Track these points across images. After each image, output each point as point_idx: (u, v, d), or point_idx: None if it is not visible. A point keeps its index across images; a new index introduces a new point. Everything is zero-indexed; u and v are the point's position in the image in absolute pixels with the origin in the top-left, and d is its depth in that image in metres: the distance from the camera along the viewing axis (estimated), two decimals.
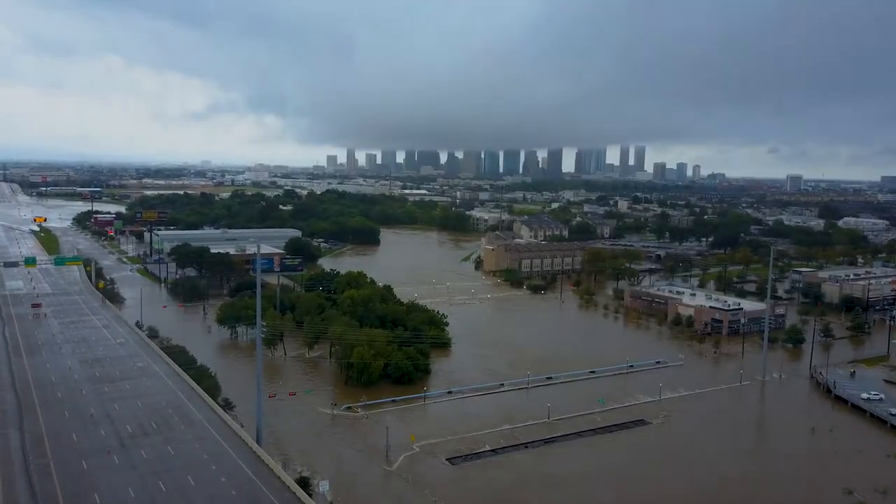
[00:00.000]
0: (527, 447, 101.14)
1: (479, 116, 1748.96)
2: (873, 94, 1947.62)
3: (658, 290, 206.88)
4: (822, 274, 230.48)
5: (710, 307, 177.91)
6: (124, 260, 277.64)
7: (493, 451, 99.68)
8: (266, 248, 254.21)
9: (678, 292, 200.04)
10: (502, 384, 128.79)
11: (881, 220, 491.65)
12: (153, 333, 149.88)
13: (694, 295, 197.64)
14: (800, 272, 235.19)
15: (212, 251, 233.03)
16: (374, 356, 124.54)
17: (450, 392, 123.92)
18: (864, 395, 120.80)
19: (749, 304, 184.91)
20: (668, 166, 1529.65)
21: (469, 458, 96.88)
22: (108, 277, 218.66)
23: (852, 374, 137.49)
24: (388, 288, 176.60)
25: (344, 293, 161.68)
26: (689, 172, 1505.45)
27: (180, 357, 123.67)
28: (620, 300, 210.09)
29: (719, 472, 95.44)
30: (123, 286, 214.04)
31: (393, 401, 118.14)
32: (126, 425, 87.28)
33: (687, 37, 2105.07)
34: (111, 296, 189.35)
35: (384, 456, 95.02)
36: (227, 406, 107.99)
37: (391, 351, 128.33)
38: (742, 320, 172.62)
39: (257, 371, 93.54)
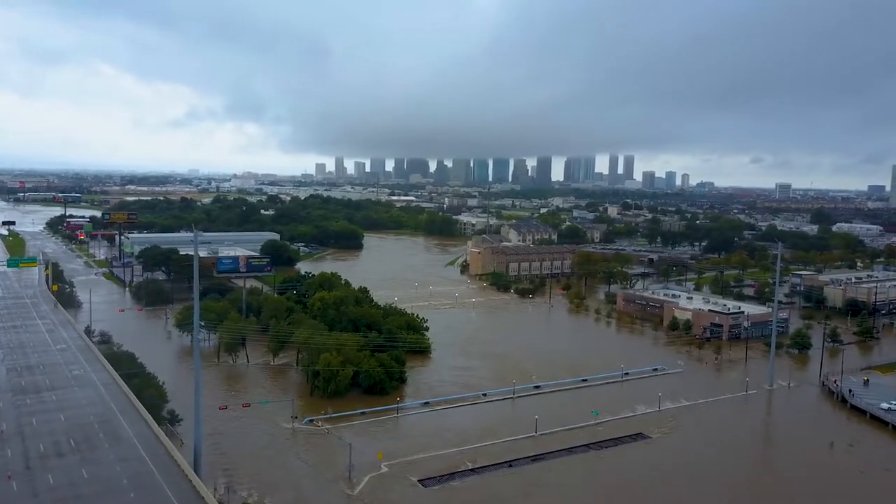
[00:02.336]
0: (511, 466, 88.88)
1: (463, 124, 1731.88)
2: (851, 100, 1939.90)
3: (652, 293, 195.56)
4: (823, 277, 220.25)
5: (710, 311, 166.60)
6: (92, 263, 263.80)
7: (472, 470, 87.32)
8: (240, 251, 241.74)
9: (674, 296, 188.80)
10: (485, 394, 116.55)
11: (874, 226, 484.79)
12: (105, 339, 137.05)
13: (690, 298, 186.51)
14: (800, 275, 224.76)
15: (182, 254, 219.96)
16: (343, 363, 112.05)
17: (426, 403, 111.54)
18: (885, 406, 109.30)
19: (750, 308, 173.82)
20: (656, 175, 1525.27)
21: (444, 479, 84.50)
22: (69, 280, 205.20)
23: (866, 382, 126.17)
24: (363, 290, 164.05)
25: (314, 295, 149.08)
26: (678, 181, 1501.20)
27: (126, 364, 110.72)
28: (612, 304, 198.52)
29: (730, 492, 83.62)
30: (86, 290, 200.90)
31: (362, 413, 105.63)
32: (40, 443, 74.31)
33: (663, 42, 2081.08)
34: (67, 299, 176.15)
35: (346, 477, 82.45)
36: (173, 419, 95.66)
37: (362, 357, 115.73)
38: (744, 324, 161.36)
39: (196, 381, 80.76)
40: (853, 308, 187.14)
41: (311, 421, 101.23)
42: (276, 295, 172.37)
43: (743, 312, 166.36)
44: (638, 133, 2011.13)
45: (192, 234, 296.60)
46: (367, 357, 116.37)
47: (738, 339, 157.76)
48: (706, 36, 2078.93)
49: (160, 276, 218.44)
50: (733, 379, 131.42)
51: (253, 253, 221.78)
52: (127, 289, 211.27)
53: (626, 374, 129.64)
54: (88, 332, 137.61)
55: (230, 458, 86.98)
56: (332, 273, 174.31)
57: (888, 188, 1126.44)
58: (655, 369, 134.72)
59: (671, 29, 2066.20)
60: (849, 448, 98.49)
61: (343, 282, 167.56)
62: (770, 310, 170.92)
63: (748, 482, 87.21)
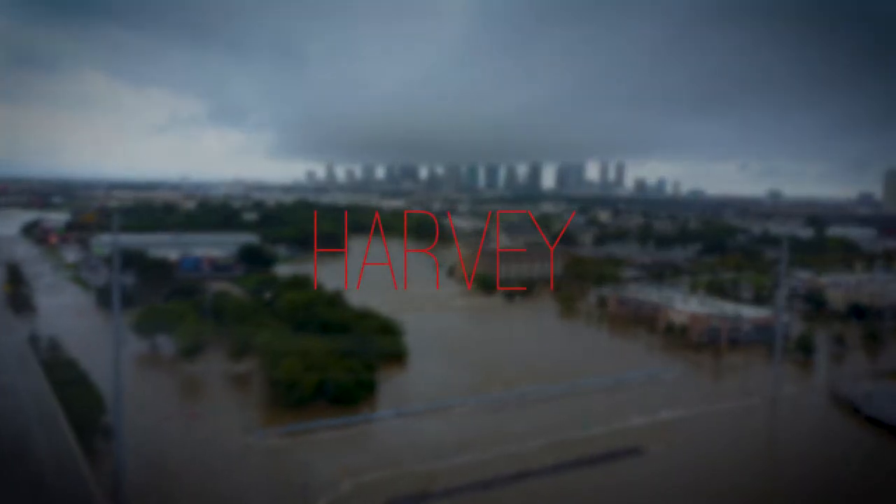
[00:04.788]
0: (490, 487, 78.37)
1: (450, 129, 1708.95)
2: (827, 104, 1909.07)
3: (647, 296, 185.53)
4: (824, 280, 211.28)
5: (708, 314, 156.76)
6: (60, 267, 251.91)
7: (446, 492, 76.80)
8: (215, 252, 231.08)
9: (669, 298, 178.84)
10: (465, 403, 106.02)
11: (868, 229, 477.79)
12: (53, 345, 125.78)
13: (686, 301, 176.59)
14: (800, 278, 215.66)
15: (156, 257, 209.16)
16: (307, 369, 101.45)
17: (399, 414, 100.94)
18: None
19: (749, 311, 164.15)
20: (648, 182, 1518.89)
21: (415, 501, 73.96)
22: (27, 282, 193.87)
23: (870, 391, 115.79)
24: (336, 292, 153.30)
25: (284, 297, 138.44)
26: (669, 189, 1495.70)
27: (67, 372, 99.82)
28: (604, 307, 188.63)
29: None
30: (48, 293, 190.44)
31: (327, 425, 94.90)
32: None
33: (639, 46, 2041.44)
34: (22, 302, 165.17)
35: (300, 500, 71.77)
36: (107, 433, 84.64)
37: (329, 363, 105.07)
38: (745, 328, 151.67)
39: (115, 383, 69.85)
40: (857, 311, 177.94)
41: (268, 434, 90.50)
42: (250, 297, 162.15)
43: (742, 315, 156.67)
44: (621, 138, 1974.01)
45: (168, 237, 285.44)
46: (334, 363, 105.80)
47: (738, 344, 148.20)
48: (681, 38, 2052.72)
49: (130, 278, 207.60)
50: (734, 386, 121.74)
51: (223, 254, 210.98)
52: (94, 292, 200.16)
53: (620, 380, 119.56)
54: (34, 337, 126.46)
55: (167, 480, 76.09)
56: (304, 274, 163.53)
57: (878, 195, 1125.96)
58: (650, 376, 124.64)
59: (645, 32, 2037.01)
60: (871, 464, 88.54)
61: (317, 283, 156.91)
62: (770, 313, 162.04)
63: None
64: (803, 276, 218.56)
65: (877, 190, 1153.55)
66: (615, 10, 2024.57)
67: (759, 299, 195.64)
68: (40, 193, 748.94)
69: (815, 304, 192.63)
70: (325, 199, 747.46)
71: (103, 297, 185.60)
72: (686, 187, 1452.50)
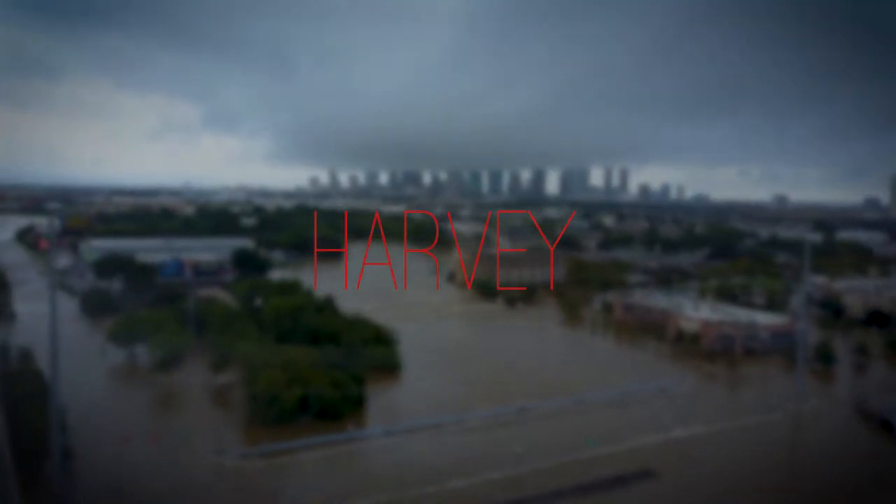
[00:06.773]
0: None
1: (449, 133, 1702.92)
2: (828, 109, 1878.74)
3: (654, 301, 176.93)
4: (840, 285, 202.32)
5: (721, 321, 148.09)
6: (48, 273, 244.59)
7: None
8: (206, 256, 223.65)
9: (678, 304, 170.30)
10: (460, 420, 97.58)
11: (877, 233, 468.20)
12: (23, 354, 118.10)
13: (697, 308, 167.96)
14: (814, 283, 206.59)
15: (144, 262, 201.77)
16: (290, 383, 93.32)
17: (389, 432, 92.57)
18: None
19: (763, 317, 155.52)
20: (651, 188, 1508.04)
21: None
22: (10, 289, 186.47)
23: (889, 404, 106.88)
24: (327, 298, 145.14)
25: (270, 303, 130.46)
26: (674, 194, 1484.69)
27: (27, 385, 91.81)
28: (609, 314, 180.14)
29: None
30: (31, 300, 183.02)
31: (308, 444, 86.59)
32: None
33: (638, 48, 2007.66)
34: None
35: None
36: (65, 455, 76.51)
37: (314, 376, 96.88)
38: (760, 336, 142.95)
39: (54, 402, 61.80)
40: (878, 318, 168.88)
41: (241, 455, 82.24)
42: (239, 304, 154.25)
43: (757, 322, 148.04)
44: (623, 142, 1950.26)
45: (160, 242, 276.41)
46: (319, 375, 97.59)
47: (753, 353, 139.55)
48: (681, 41, 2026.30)
49: (118, 285, 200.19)
50: (753, 399, 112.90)
51: (213, 258, 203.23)
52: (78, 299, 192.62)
53: (628, 393, 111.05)
54: (3, 346, 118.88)
55: None
56: (293, 280, 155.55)
57: (884, 200, 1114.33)
58: (662, 388, 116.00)
59: (645, 35, 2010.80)
60: None
61: (311, 288, 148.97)
62: (786, 319, 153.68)
63: None
64: (817, 281, 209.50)
65: (882, 194, 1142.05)
66: (615, 13, 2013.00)
67: (773, 305, 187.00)
68: (39, 199, 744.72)
69: (832, 311, 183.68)
70: (326, 204, 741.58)
71: (87, 304, 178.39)
72: (689, 192, 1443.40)
